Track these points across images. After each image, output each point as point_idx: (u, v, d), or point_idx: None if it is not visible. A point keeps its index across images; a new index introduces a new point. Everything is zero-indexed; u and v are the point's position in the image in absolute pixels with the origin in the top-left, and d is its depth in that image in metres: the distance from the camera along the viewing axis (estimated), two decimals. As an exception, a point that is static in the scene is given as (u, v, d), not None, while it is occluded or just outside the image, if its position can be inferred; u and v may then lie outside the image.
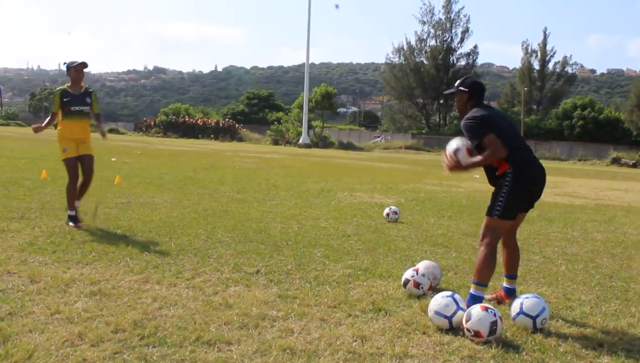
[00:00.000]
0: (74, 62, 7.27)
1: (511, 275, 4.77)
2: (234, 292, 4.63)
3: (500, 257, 4.77)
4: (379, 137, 68.75)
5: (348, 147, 59.39)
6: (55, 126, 7.40)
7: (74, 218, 7.12)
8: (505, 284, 4.81)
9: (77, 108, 7.21)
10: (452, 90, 4.74)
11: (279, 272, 5.38)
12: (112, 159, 19.56)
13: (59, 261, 5.31)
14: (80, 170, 7.36)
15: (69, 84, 7.30)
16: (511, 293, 4.73)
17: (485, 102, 4.73)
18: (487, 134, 4.30)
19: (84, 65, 7.36)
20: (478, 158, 4.39)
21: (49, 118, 7.31)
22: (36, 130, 7.29)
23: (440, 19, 75.77)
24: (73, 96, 7.21)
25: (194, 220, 8.05)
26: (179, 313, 4.00)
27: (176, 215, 8.39)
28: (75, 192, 7.26)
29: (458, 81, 4.76)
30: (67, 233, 6.61)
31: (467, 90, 4.62)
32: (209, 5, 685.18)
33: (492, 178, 4.50)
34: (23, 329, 3.55)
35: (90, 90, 7.45)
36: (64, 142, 7.21)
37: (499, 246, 4.59)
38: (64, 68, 7.49)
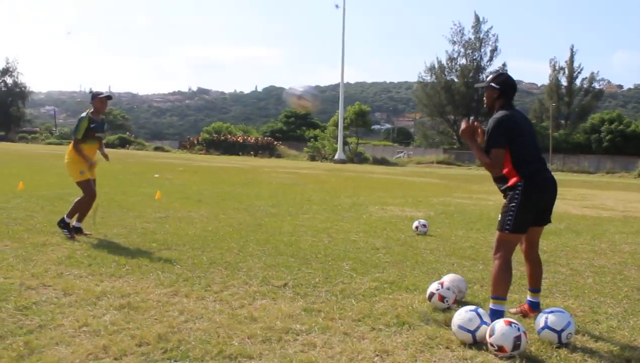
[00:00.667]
0: (100, 93, 7.68)
1: (535, 289, 4.69)
2: (260, 306, 4.66)
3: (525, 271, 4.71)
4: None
5: (382, 162, 59.67)
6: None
7: (68, 226, 7.42)
8: (529, 298, 4.73)
9: (99, 134, 7.67)
10: (483, 84, 4.60)
11: (306, 285, 5.40)
12: (155, 176, 19.99)
13: (93, 274, 5.44)
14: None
15: (91, 111, 7.62)
16: (535, 307, 4.65)
17: None
18: (498, 147, 4.28)
19: (109, 97, 7.80)
20: (480, 152, 4.44)
21: (77, 148, 7.50)
22: (92, 167, 7.64)
23: (470, 39, 77.69)
24: (97, 123, 7.61)
25: (227, 233, 8.14)
26: (204, 327, 4.05)
27: (211, 229, 8.51)
28: (89, 208, 7.64)
29: (491, 76, 4.62)
30: (105, 247, 6.78)
31: (498, 87, 4.49)
32: (248, 28, 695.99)
33: (502, 189, 4.43)
34: (50, 342, 3.65)
35: (104, 117, 7.91)
36: (81, 165, 7.51)
37: (516, 259, 4.52)
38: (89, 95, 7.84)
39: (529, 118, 4.72)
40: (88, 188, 7.53)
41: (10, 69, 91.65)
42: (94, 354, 3.49)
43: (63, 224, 7.45)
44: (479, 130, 4.58)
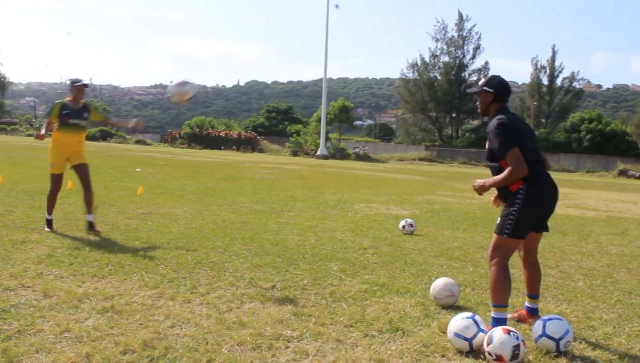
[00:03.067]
0: (77, 80, 7.60)
1: (533, 295, 4.59)
2: (248, 309, 4.52)
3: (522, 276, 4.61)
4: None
5: (364, 158, 59.74)
6: (51, 135, 7.60)
7: (49, 223, 7.42)
8: (527, 303, 4.63)
9: (74, 121, 7.49)
10: (475, 89, 4.42)
11: (295, 287, 5.27)
12: (137, 170, 19.70)
13: (74, 274, 5.26)
14: (79, 183, 7.70)
15: (69, 98, 7.55)
16: (534, 313, 4.56)
17: None
18: (512, 147, 4.09)
19: (85, 85, 7.69)
20: (499, 178, 4.18)
21: (45, 126, 7.58)
22: (38, 138, 7.55)
23: (453, 36, 78.02)
24: (72, 109, 7.48)
25: (212, 231, 7.98)
26: (191, 333, 3.90)
27: (195, 226, 8.33)
28: (54, 201, 7.55)
29: (483, 80, 4.42)
30: (86, 244, 6.58)
31: (492, 90, 4.32)
32: (231, 23, 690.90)
33: (504, 193, 4.28)
34: (30, 349, 3.46)
35: (88, 104, 7.73)
36: (55, 157, 7.47)
37: (510, 264, 4.39)
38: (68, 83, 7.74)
39: (524, 120, 4.60)
40: (54, 181, 7.51)
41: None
42: (76, 363, 3.32)
43: (47, 223, 7.45)
44: (481, 183, 4.40)
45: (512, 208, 4.15)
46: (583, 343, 4.17)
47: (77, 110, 7.51)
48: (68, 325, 3.88)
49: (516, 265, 5.80)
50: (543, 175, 4.24)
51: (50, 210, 7.49)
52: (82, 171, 7.57)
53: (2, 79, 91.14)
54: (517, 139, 4.13)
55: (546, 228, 4.46)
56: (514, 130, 4.17)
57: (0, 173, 13.47)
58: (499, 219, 4.26)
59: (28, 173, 15.12)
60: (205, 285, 5.14)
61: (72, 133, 7.50)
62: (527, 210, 4.13)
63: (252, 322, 4.20)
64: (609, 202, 18.46)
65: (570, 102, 75.53)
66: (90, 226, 7.38)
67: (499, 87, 4.34)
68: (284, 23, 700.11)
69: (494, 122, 4.24)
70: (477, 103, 4.50)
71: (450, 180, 26.18)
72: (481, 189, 4.38)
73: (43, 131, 7.51)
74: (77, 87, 7.53)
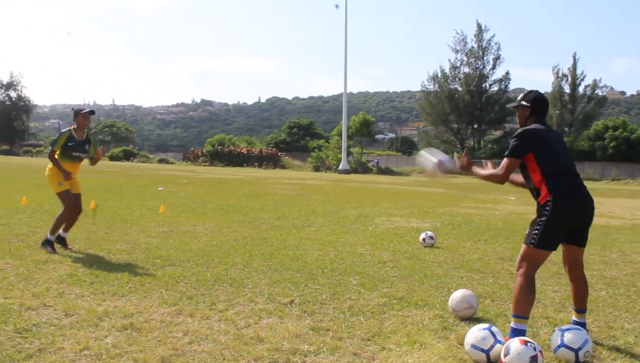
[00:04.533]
0: (82, 108, 7.64)
1: (580, 309, 4.48)
2: (266, 325, 4.53)
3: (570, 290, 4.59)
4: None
5: (386, 172, 59.62)
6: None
7: (51, 244, 7.33)
8: (574, 318, 4.50)
9: (77, 154, 7.53)
10: (514, 103, 4.61)
11: (313, 302, 5.27)
12: (159, 188, 19.90)
13: (95, 293, 5.32)
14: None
15: (74, 127, 7.54)
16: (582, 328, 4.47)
17: None
18: (514, 156, 4.26)
19: (92, 113, 7.71)
20: (482, 172, 4.55)
21: (53, 158, 7.43)
22: (68, 179, 7.46)
23: (473, 47, 78.06)
24: (77, 142, 7.49)
25: (232, 248, 8.02)
26: (209, 349, 3.92)
27: (215, 243, 8.39)
28: (71, 218, 7.52)
29: (521, 95, 4.62)
30: (108, 263, 6.66)
31: (528, 105, 4.48)
32: (251, 40, 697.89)
33: (537, 205, 4.28)
34: (50, 366, 3.52)
35: (90, 137, 7.75)
36: (59, 177, 7.41)
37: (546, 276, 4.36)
38: (71, 111, 7.77)
39: (559, 132, 4.65)
40: (66, 199, 7.45)
41: (14, 83, 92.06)
42: (95, 380, 3.36)
43: (48, 243, 7.34)
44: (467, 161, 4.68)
45: (540, 219, 4.15)
46: (604, 353, 4.12)
47: (81, 142, 7.53)
48: (88, 343, 3.93)
49: (538, 276, 5.73)
50: (573, 186, 4.22)
51: (67, 228, 7.56)
52: (77, 200, 7.61)
53: (27, 102, 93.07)
54: (532, 145, 4.22)
55: (579, 237, 4.35)
56: (528, 139, 4.25)
57: (24, 194, 13.71)
58: (528, 229, 4.25)
59: (52, 194, 15.35)
60: (224, 302, 5.17)
61: (72, 163, 7.53)
62: (555, 221, 4.09)
63: (270, 337, 4.22)
64: (634, 210, 18.18)
65: (593, 110, 74.83)
66: (63, 241, 7.51)
67: (536, 102, 4.49)
68: (303, 38, 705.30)
69: (520, 129, 4.40)
70: (517, 117, 4.65)
71: (473, 192, 26.00)
72: (465, 165, 4.71)
73: (61, 169, 7.38)
74: (84, 115, 7.54)
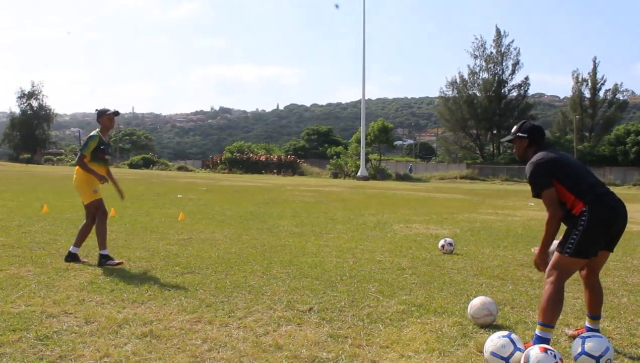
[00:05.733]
0: (106, 110, 7.33)
1: (594, 316, 4.44)
2: (284, 332, 4.53)
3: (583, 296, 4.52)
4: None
5: (405, 178, 59.45)
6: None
7: (106, 257, 7.05)
8: (587, 324, 4.47)
9: (108, 156, 7.38)
10: (510, 137, 4.54)
11: (332, 309, 5.26)
12: (178, 196, 20.03)
13: (115, 300, 5.36)
14: (97, 215, 7.26)
15: (99, 130, 7.31)
16: None
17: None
18: (547, 187, 4.12)
19: (116, 113, 7.45)
20: (545, 238, 4.21)
21: (83, 164, 7.15)
22: (104, 181, 7.22)
23: (492, 53, 77.99)
24: (106, 145, 7.31)
25: (251, 255, 8.04)
26: (227, 356, 3.93)
27: (234, 251, 8.41)
28: (106, 230, 7.22)
29: (515, 127, 4.56)
30: (127, 271, 6.70)
31: (525, 135, 4.43)
32: (269, 48, 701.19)
33: (568, 217, 4.19)
34: (70, 373, 3.55)
35: (111, 138, 7.56)
36: (95, 184, 7.15)
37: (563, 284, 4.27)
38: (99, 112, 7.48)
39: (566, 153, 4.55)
40: (101, 207, 7.17)
41: (36, 92, 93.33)
42: (115, 387, 3.38)
43: (101, 257, 7.06)
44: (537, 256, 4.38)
45: (576, 228, 4.07)
46: (626, 360, 4.06)
47: (108, 144, 7.38)
48: (108, 350, 3.95)
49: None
50: (606, 194, 4.16)
51: (104, 243, 7.11)
52: (103, 205, 7.30)
53: (48, 111, 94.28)
54: (555, 173, 4.14)
55: (612, 245, 4.29)
56: (549, 164, 4.17)
57: (45, 202, 13.89)
58: (561, 238, 4.18)
59: (73, 202, 15.51)
60: (243, 309, 5.18)
61: (103, 166, 7.32)
62: (593, 231, 4.04)
63: (288, 344, 4.21)
64: (657, 216, 17.90)
65: (614, 115, 74.21)
66: (106, 258, 7.04)
67: (532, 131, 4.45)
68: (322, 46, 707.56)
69: (527, 167, 4.31)
70: (514, 150, 4.59)
71: (492, 198, 25.83)
72: (540, 264, 4.34)
73: (93, 172, 7.13)
74: (109, 116, 7.30)
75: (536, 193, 4.20)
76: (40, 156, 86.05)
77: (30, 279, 6.09)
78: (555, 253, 4.17)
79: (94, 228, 7.28)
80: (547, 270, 4.19)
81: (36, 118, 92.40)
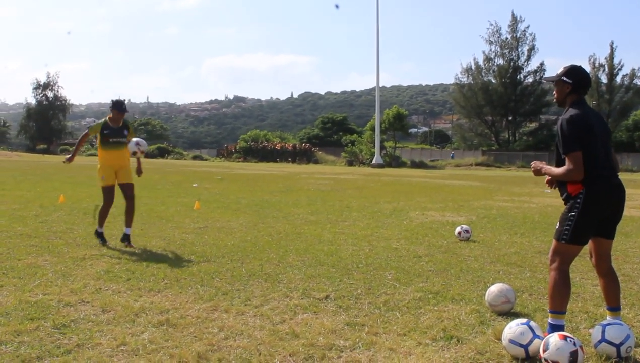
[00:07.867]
0: (120, 102, 8.07)
1: (612, 307, 4.23)
2: (301, 320, 4.51)
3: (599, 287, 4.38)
4: (452, 154, 68.67)
5: (420, 165, 59.18)
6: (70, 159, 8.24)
7: (101, 236, 7.84)
8: (608, 317, 4.23)
9: (115, 139, 7.89)
10: (554, 77, 4.23)
11: (348, 297, 5.23)
12: (194, 185, 20.08)
13: (131, 289, 5.37)
14: (122, 196, 8.00)
15: (110, 117, 7.97)
16: None
17: None
18: (577, 149, 3.89)
19: (116, 105, 8.02)
20: (555, 171, 4.04)
21: (80, 138, 8.43)
22: (67, 161, 8.27)
23: (507, 38, 76.26)
24: (112, 129, 7.89)
25: (266, 243, 8.03)
26: (244, 344, 3.92)
27: (250, 239, 8.41)
28: (106, 215, 7.95)
29: (562, 69, 4.22)
30: (144, 260, 6.72)
31: (570, 81, 4.12)
32: (282, 36, 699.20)
33: (565, 195, 4.08)
34: None
35: (128, 123, 8.14)
36: (104, 171, 7.84)
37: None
38: (110, 103, 8.17)
39: (602, 116, 4.31)
40: (106, 193, 7.83)
41: (51, 83, 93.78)
42: (132, 376, 3.38)
43: (98, 235, 7.86)
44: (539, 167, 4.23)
45: (570, 214, 3.98)
46: (648, 348, 3.98)
47: (117, 129, 7.90)
48: (125, 338, 3.96)
49: (575, 269, 5.60)
50: (607, 177, 4.00)
51: (101, 222, 7.90)
52: (127, 189, 7.94)
53: (63, 101, 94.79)
54: (584, 141, 3.93)
55: (610, 230, 4.15)
56: (583, 129, 3.96)
57: (62, 192, 13.97)
58: (557, 224, 4.09)
59: (89, 192, 15.61)
60: (259, 297, 5.17)
61: (115, 150, 7.87)
62: (587, 215, 3.94)
63: (305, 332, 4.19)
64: (676, 202, 17.66)
65: (631, 100, 72.64)
66: (126, 238, 7.76)
67: (579, 78, 4.15)
68: (335, 34, 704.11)
69: (565, 117, 4.05)
70: (554, 92, 4.30)
71: (508, 185, 25.63)
72: (536, 172, 4.24)
73: (69, 156, 8.29)
74: (111, 110, 7.99)
75: (565, 151, 3.96)
76: (57, 146, 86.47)
77: (48, 268, 6.13)
78: (554, 241, 4.10)
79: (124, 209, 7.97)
80: (549, 256, 4.11)
81: (52, 108, 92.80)
